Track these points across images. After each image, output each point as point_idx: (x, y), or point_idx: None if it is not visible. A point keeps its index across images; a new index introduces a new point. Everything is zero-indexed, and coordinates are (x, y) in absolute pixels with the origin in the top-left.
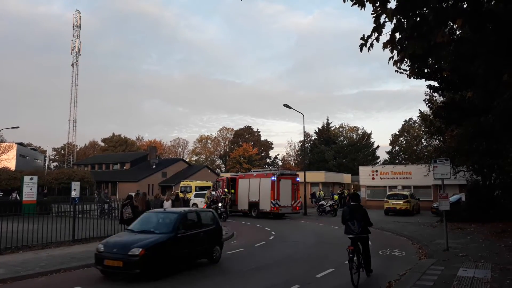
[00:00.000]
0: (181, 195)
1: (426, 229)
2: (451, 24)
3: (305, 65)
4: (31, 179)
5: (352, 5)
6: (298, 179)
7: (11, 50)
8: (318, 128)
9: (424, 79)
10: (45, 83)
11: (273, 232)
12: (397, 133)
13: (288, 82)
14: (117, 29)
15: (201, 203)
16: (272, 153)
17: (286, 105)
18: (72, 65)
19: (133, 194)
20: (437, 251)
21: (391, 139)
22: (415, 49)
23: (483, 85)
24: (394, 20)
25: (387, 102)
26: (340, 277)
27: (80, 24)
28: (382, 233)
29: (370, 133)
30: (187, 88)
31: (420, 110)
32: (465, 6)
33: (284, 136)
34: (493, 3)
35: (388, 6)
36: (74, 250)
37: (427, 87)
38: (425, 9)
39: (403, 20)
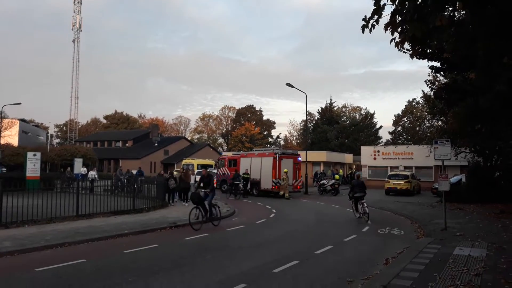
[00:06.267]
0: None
1: (425, 209)
2: (452, 6)
3: (313, 44)
4: (34, 155)
5: None
6: (299, 158)
7: (13, 26)
8: (321, 108)
9: (426, 60)
10: (48, 59)
11: (274, 210)
12: (400, 113)
13: (295, 61)
14: (123, 6)
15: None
16: (274, 133)
17: (288, 84)
18: (74, 41)
19: (174, 171)
20: (435, 230)
21: (394, 119)
22: (415, 32)
23: (484, 67)
24: (396, 2)
25: (394, 82)
26: (338, 254)
27: (81, 0)
28: (382, 213)
29: (373, 113)
30: (192, 66)
31: (423, 91)
32: None
33: (288, 115)
34: None
35: None
36: (78, 225)
37: (429, 68)
38: None
39: (404, 3)
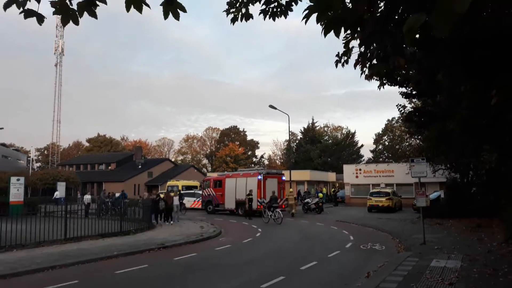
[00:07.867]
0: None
1: (406, 225)
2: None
3: (294, 66)
4: (18, 180)
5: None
6: (283, 178)
7: None
8: (304, 128)
9: (397, 86)
10: (29, 83)
11: (259, 230)
12: (380, 132)
13: (277, 82)
14: (105, 30)
15: (187, 202)
16: (258, 152)
17: (271, 106)
18: (56, 65)
19: (160, 193)
20: (415, 244)
21: (374, 138)
22: (379, 70)
23: (447, 94)
24: (361, 47)
25: (374, 101)
26: (322, 269)
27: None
28: (364, 229)
29: (354, 132)
30: (175, 88)
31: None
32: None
33: (272, 135)
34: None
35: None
36: (67, 248)
37: (400, 94)
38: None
39: (369, 47)
